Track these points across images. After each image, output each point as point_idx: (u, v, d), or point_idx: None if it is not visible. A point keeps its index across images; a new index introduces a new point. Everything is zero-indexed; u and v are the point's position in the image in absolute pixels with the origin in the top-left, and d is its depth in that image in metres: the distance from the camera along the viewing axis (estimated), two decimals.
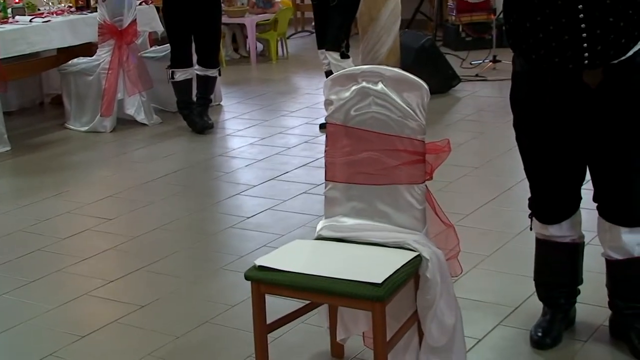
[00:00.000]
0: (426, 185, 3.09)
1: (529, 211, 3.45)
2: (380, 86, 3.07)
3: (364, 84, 3.10)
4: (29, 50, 7.11)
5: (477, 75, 8.44)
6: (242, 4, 10.42)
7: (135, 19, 7.37)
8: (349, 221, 3.18)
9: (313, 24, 11.87)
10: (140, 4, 7.98)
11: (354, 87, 3.12)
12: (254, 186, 5.62)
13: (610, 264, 3.32)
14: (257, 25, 10.14)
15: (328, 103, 3.19)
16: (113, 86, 7.20)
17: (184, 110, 7.14)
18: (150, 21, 8.17)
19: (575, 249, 3.45)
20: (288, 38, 10.79)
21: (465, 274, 4.05)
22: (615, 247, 3.25)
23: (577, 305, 3.58)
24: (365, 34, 7.53)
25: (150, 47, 8.18)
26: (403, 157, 3.06)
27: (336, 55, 6.88)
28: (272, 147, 6.51)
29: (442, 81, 7.88)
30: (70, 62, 7.39)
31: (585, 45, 2.95)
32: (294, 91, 8.49)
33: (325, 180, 3.25)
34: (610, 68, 2.99)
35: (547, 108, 3.14)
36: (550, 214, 3.37)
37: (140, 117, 7.35)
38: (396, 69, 3.12)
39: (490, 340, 3.49)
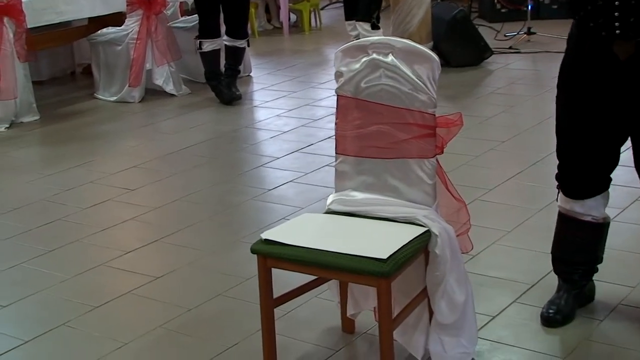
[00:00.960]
0: (437, 160, 3.03)
1: (553, 186, 3.39)
2: (390, 58, 3.01)
3: (374, 55, 3.04)
4: (58, 20, 7.10)
5: (510, 48, 8.30)
6: None
7: None
8: (359, 195, 3.13)
9: None
10: None
11: (364, 59, 3.06)
12: (278, 158, 5.59)
13: None
14: None
15: (338, 75, 3.14)
16: (141, 56, 7.18)
17: (212, 81, 7.11)
18: None
19: (596, 228, 3.36)
20: (322, 9, 10.70)
21: (485, 250, 4.01)
22: None
23: (596, 283, 3.51)
24: (396, 5, 7.46)
25: (181, 17, 8.15)
26: (413, 130, 3.00)
27: (367, 26, 6.89)
28: (299, 119, 6.47)
29: (474, 53, 7.76)
30: (99, 31, 7.39)
31: (616, 14, 2.87)
32: (324, 63, 8.42)
33: (336, 153, 3.20)
34: None
35: (584, 77, 3.07)
36: (576, 190, 3.29)
37: (169, 88, 7.34)
38: (407, 40, 3.05)
39: (505, 317, 3.44)
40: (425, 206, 3.02)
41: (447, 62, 7.62)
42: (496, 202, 4.62)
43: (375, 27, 6.83)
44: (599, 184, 3.27)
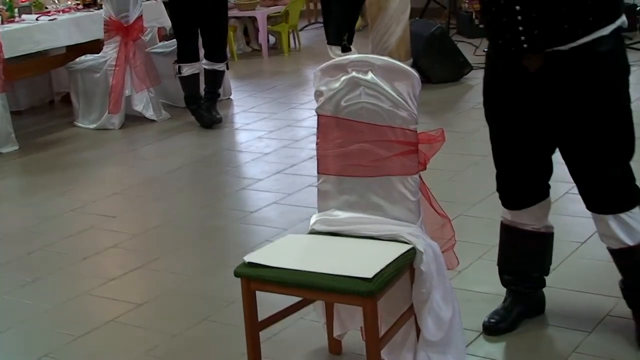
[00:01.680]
0: (420, 176, 3.01)
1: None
2: (370, 76, 2.99)
3: (353, 74, 3.02)
4: (35, 49, 7.07)
5: None
6: None
7: (142, 15, 7.31)
8: (342, 214, 3.11)
9: None
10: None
11: (343, 78, 3.04)
12: (260, 180, 5.56)
13: (611, 253, 3.22)
14: (269, 17, 10.07)
15: (318, 94, 3.12)
16: (120, 83, 7.15)
17: (191, 105, 7.09)
18: (158, 16, 8.10)
19: (538, 238, 3.38)
20: (300, 30, 10.72)
21: (470, 265, 3.99)
22: (607, 236, 3.15)
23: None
24: (374, 23, 7.45)
25: (160, 42, 8.13)
26: (395, 147, 2.98)
27: (337, 50, 6.84)
28: (280, 140, 6.44)
29: (453, 69, 7.78)
30: (77, 59, 7.36)
31: (520, 28, 2.91)
32: (304, 83, 8.41)
33: (318, 173, 3.18)
34: (557, 54, 2.91)
35: (501, 93, 3.13)
36: (513, 200, 3.33)
37: (149, 114, 7.31)
38: (385, 58, 3.03)
39: None
40: (410, 223, 2.99)
41: (427, 79, 7.63)
42: (480, 216, 4.60)
43: (346, 49, 6.81)
44: (534, 194, 3.29)
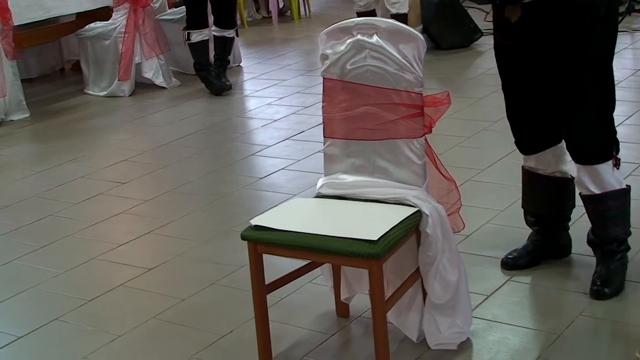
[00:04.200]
0: (426, 139, 3.01)
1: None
2: (375, 38, 2.98)
3: (358, 36, 3.01)
4: (45, 16, 7.06)
5: None
6: None
7: None
8: (349, 178, 3.11)
9: None
10: None
11: (348, 41, 3.03)
12: (269, 146, 5.56)
13: (581, 198, 3.37)
14: None
15: (323, 57, 3.11)
16: (130, 50, 7.14)
17: (201, 72, 7.08)
18: None
19: (553, 183, 3.49)
20: None
21: (478, 230, 3.99)
22: (580, 183, 3.32)
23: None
24: None
25: (169, 9, 8.11)
26: (401, 110, 2.98)
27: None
28: (289, 107, 6.43)
29: (463, 35, 7.73)
30: (86, 26, 7.35)
31: None
32: (314, 50, 8.33)
33: (324, 136, 3.18)
34: (535, 4, 3.07)
35: (497, 46, 3.36)
36: (525, 145, 3.48)
37: (159, 81, 7.30)
38: (391, 20, 3.02)
39: (499, 296, 3.41)
40: (415, 186, 2.99)
41: (437, 45, 7.60)
42: (489, 182, 4.60)
43: None
44: (543, 139, 3.41)
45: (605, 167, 3.24)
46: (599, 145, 3.22)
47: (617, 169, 3.29)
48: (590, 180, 3.25)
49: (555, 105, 3.25)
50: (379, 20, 3.02)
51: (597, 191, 3.26)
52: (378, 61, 2.99)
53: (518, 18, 3.14)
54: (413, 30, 2.99)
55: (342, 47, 3.05)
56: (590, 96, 3.16)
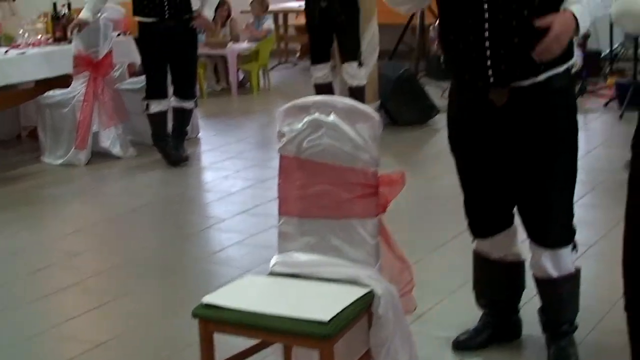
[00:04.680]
0: (380, 219, 3.01)
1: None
2: (332, 117, 3.00)
3: (316, 115, 3.03)
4: (3, 83, 7.02)
5: None
6: (225, 34, 10.38)
7: (111, 51, 7.32)
8: (302, 256, 3.09)
9: (297, 54, 11.98)
10: (118, 35, 7.93)
11: (306, 119, 3.05)
12: (224, 220, 5.54)
13: (535, 281, 3.38)
14: (239, 56, 10.10)
15: (280, 135, 3.12)
16: (88, 118, 7.12)
17: (159, 142, 7.07)
18: (128, 52, 8.10)
19: (503, 267, 3.48)
20: (270, 69, 10.74)
21: (430, 309, 3.99)
22: (536, 265, 3.31)
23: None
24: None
25: (129, 78, 8.12)
26: (356, 189, 2.98)
27: (355, 64, 7.11)
28: (246, 180, 6.44)
29: (420, 112, 7.83)
30: (45, 94, 7.33)
31: (489, 63, 3.02)
32: (272, 123, 8.37)
33: (279, 214, 3.18)
34: (520, 89, 3.05)
35: (467, 126, 3.24)
36: (478, 228, 3.46)
37: (116, 150, 7.27)
38: (347, 100, 3.05)
39: None
40: (369, 266, 2.99)
41: (394, 121, 7.68)
42: (442, 261, 4.62)
43: (361, 64, 7.16)
44: (499, 222, 3.40)
45: (567, 251, 3.27)
46: (565, 229, 3.25)
47: (576, 252, 3.32)
48: (551, 263, 3.25)
49: (521, 189, 3.25)
50: (336, 100, 3.05)
51: (555, 275, 3.27)
52: (334, 140, 3.00)
53: (504, 102, 3.09)
54: (370, 110, 3.01)
55: (299, 125, 3.06)
56: (560, 181, 3.18)
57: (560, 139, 3.13)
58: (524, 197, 3.26)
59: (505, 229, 3.40)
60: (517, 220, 3.41)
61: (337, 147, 2.99)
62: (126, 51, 8.05)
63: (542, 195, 3.20)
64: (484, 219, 3.42)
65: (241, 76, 10.44)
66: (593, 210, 5.25)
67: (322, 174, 3.04)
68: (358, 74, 7.25)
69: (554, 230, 3.23)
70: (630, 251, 2.79)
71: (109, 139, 7.25)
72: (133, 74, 8.37)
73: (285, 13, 11.74)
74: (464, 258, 4.55)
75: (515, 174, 3.24)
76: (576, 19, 2.86)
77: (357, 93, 7.24)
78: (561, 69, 3.07)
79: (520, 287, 3.55)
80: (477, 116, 3.17)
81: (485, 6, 2.98)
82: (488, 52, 3.01)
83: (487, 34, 2.99)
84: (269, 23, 10.63)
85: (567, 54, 3.05)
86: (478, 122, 3.18)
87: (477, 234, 3.47)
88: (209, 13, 6.99)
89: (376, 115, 2.99)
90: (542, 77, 3.03)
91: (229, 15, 10.48)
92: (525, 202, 3.27)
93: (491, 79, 3.05)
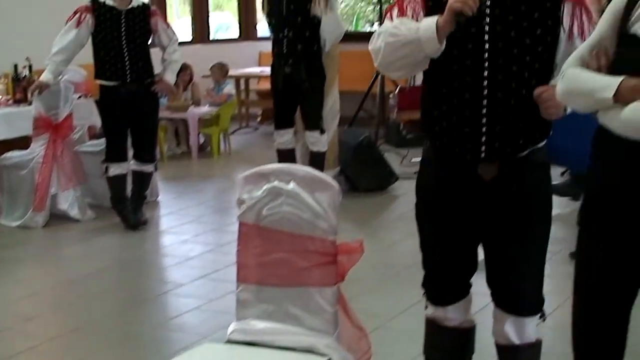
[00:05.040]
0: (338, 288, 3.02)
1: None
2: (291, 185, 3.02)
3: (275, 182, 3.05)
4: None
5: (415, 173, 8.41)
6: (186, 98, 10.42)
7: (72, 113, 7.30)
8: (260, 324, 3.08)
9: (259, 119, 12.05)
10: (79, 97, 7.93)
11: (265, 186, 3.06)
12: (182, 285, 5.51)
13: (497, 348, 3.34)
14: (200, 120, 10.13)
15: (240, 202, 3.13)
16: (46, 180, 7.08)
17: (117, 205, 7.04)
18: (89, 115, 8.11)
19: (459, 334, 3.43)
20: (231, 134, 10.78)
21: None
22: (499, 332, 3.27)
23: None
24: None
25: (89, 140, 8.11)
26: (314, 258, 2.99)
27: (317, 133, 7.17)
28: (205, 245, 6.42)
29: (380, 179, 7.89)
30: (4, 155, 7.28)
31: (483, 139, 3.00)
32: (233, 187, 8.35)
33: (237, 281, 3.17)
34: (506, 164, 3.04)
35: (446, 196, 3.16)
36: (437, 296, 3.39)
37: (74, 213, 7.21)
38: (307, 168, 3.07)
39: None
40: (327, 335, 2.98)
41: (354, 187, 7.72)
42: (400, 329, 4.61)
43: (323, 132, 7.23)
44: (459, 291, 3.36)
45: (533, 319, 3.25)
46: (535, 298, 3.24)
47: (543, 321, 3.32)
48: (515, 331, 3.22)
49: (494, 258, 3.22)
50: (296, 168, 3.07)
51: (517, 342, 3.24)
52: (293, 208, 3.01)
53: (492, 177, 3.07)
54: (329, 179, 3.03)
55: (259, 193, 3.07)
56: (534, 251, 3.18)
57: (539, 210, 3.13)
58: (496, 266, 3.23)
59: (464, 297, 3.40)
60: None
61: (296, 215, 3.00)
62: (87, 113, 8.06)
63: (517, 265, 3.17)
64: (444, 287, 3.38)
65: (202, 140, 10.46)
66: (549, 280, 5.27)
67: (281, 241, 3.04)
68: (320, 140, 7.31)
69: (525, 299, 3.22)
70: (577, 322, 2.84)
71: (68, 202, 7.20)
72: (93, 136, 8.36)
73: (247, 78, 11.82)
74: (422, 326, 4.56)
75: (490, 244, 3.22)
76: None
77: (318, 159, 7.30)
78: (541, 144, 3.08)
79: (471, 351, 3.53)
80: (460, 188, 3.11)
81: (485, 83, 2.96)
82: (484, 129, 2.98)
83: (484, 110, 2.97)
84: (229, 88, 10.70)
85: (547, 130, 3.07)
86: (459, 194, 3.12)
87: (434, 302, 3.43)
88: (170, 77, 7.03)
89: (335, 184, 3.01)
90: (526, 152, 3.04)
91: (190, 79, 10.54)
92: (497, 271, 3.23)
93: (482, 154, 3.02)
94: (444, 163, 3.14)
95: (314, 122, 7.31)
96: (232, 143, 10.57)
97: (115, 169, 6.94)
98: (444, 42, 2.90)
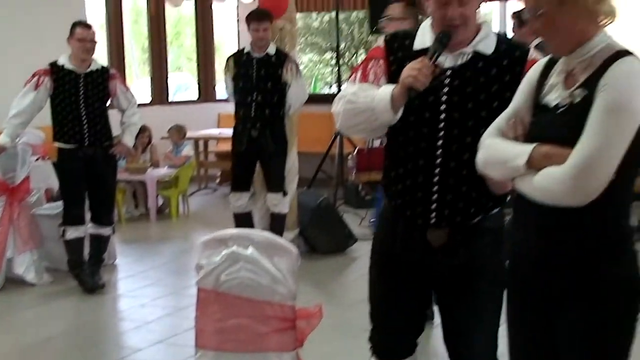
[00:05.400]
0: (297, 353, 3.02)
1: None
2: (250, 250, 3.04)
3: (234, 248, 3.07)
4: None
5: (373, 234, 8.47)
6: (145, 160, 10.41)
7: (29, 176, 7.25)
8: None
9: (218, 180, 12.05)
10: (36, 159, 7.89)
11: (224, 252, 3.08)
12: (140, 350, 5.45)
13: None
14: (158, 182, 10.11)
15: (199, 267, 3.14)
16: (2, 244, 6.99)
17: (74, 269, 6.97)
18: (46, 177, 8.06)
19: None
20: (190, 195, 10.77)
21: None
22: None
23: None
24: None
25: (46, 203, 8.04)
26: (273, 323, 3.00)
27: (279, 195, 7.20)
28: (164, 308, 6.36)
29: (338, 240, 7.90)
30: None
31: (434, 206, 3.05)
32: (191, 249, 8.38)
33: (196, 346, 3.16)
34: (458, 230, 3.08)
35: (397, 255, 3.20)
36: (384, 352, 3.39)
37: (30, 277, 7.12)
38: (266, 233, 3.09)
39: None
40: None
41: (313, 249, 7.73)
42: None
43: (285, 194, 7.27)
44: (405, 349, 3.37)
45: None
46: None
47: None
48: None
49: (447, 322, 3.26)
50: (255, 233, 3.09)
51: None
52: (252, 273, 3.03)
53: (440, 245, 3.11)
54: (288, 244, 3.06)
55: (218, 258, 3.09)
56: (486, 316, 3.20)
57: (487, 275, 3.14)
58: (448, 329, 3.26)
59: (409, 355, 3.39)
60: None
61: (255, 281, 3.02)
62: (44, 176, 8.01)
63: (466, 330, 3.20)
64: (390, 344, 3.38)
65: (160, 202, 10.42)
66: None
67: (240, 307, 3.05)
68: (282, 202, 7.36)
69: None
70: None
71: (24, 265, 7.11)
72: (50, 199, 8.29)
73: (206, 140, 11.85)
74: None
75: (441, 307, 3.27)
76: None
77: (279, 220, 7.35)
78: (495, 211, 3.12)
79: None
80: (410, 250, 3.16)
81: (439, 152, 3.02)
82: (435, 196, 3.04)
83: (436, 178, 3.02)
84: (188, 149, 10.71)
85: (502, 198, 3.11)
86: (409, 256, 3.17)
87: (380, 356, 3.42)
88: (129, 140, 7.04)
89: (294, 249, 3.04)
90: (476, 219, 3.08)
91: (149, 141, 10.54)
92: (449, 334, 3.27)
93: (432, 220, 3.07)
94: (398, 223, 3.19)
95: (277, 184, 7.37)
96: (190, 204, 10.55)
97: (72, 232, 6.89)
98: (400, 112, 2.96)
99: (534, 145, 2.55)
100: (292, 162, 7.68)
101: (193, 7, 12.76)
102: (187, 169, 10.46)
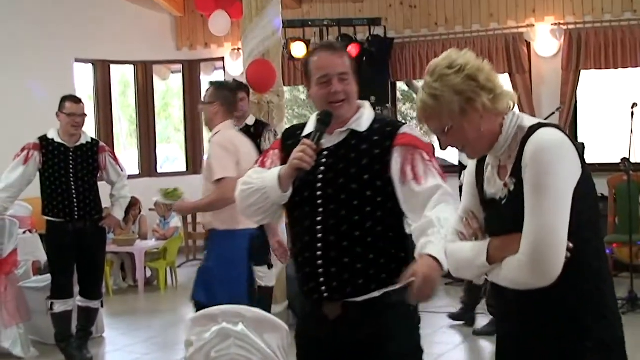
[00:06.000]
0: None
1: None
2: (240, 327, 3.05)
3: (224, 324, 3.07)
4: None
5: None
6: (133, 232, 10.40)
7: (16, 249, 7.23)
8: None
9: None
10: (24, 232, 7.88)
11: (214, 328, 3.09)
12: None
13: None
14: (146, 253, 10.09)
15: (188, 344, 3.14)
16: None
17: (62, 342, 6.91)
18: (34, 250, 8.05)
19: None
20: (178, 267, 10.73)
21: None
22: None
23: None
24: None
25: (34, 276, 8.01)
26: None
27: (265, 267, 7.18)
28: None
29: None
30: None
31: (322, 280, 3.10)
32: (180, 322, 8.32)
33: None
34: (354, 304, 3.10)
35: (306, 334, 3.25)
36: None
37: (17, 351, 7.04)
38: (256, 310, 3.10)
39: None
40: None
41: None
42: None
43: (270, 267, 7.23)
44: None
45: None
46: None
47: None
48: None
49: None
50: (245, 309, 3.10)
51: None
52: (243, 350, 3.04)
53: (337, 316, 3.13)
54: (278, 321, 3.07)
55: (207, 335, 3.09)
56: None
57: (395, 350, 3.14)
58: None
59: None
60: None
61: (245, 358, 3.02)
62: (32, 248, 8.00)
63: None
64: None
65: (148, 274, 10.39)
66: None
67: None
68: (268, 274, 7.32)
69: None
70: None
71: (10, 339, 7.04)
72: (37, 271, 8.25)
73: None
74: None
75: None
76: (437, 260, 2.86)
77: (266, 293, 7.30)
78: (396, 286, 3.03)
79: None
80: (313, 326, 3.22)
81: (319, 227, 3.11)
82: (320, 270, 3.10)
83: (319, 252, 3.10)
84: (176, 221, 10.72)
85: (399, 271, 3.03)
86: (314, 332, 3.22)
87: None
88: (119, 213, 7.05)
89: (284, 326, 3.04)
90: (374, 294, 3.09)
91: (139, 212, 10.54)
92: None
93: (325, 294, 3.12)
94: (302, 301, 3.29)
95: (263, 257, 7.34)
96: (179, 276, 10.50)
97: (60, 306, 6.83)
98: (289, 190, 3.09)
99: (488, 240, 2.63)
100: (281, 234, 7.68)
101: (181, 79, 12.89)
102: (176, 241, 10.45)
